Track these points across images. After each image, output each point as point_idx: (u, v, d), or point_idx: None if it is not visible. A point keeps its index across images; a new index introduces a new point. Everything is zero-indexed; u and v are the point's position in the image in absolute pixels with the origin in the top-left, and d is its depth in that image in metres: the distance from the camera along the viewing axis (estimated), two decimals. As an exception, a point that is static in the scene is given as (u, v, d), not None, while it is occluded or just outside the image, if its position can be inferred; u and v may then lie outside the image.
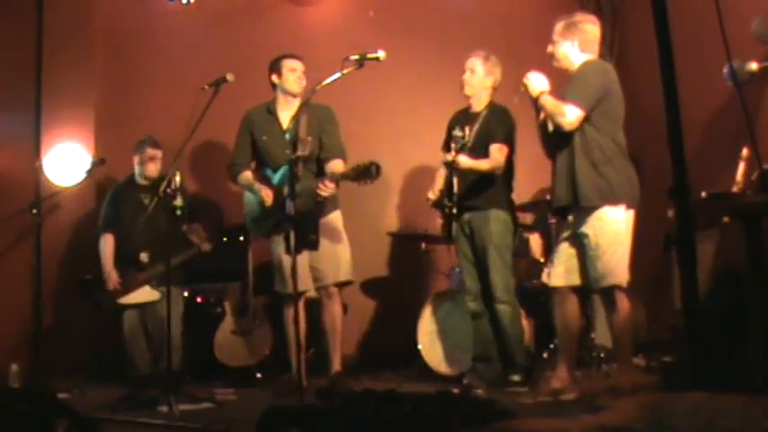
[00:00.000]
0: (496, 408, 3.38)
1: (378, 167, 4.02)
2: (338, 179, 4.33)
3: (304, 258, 4.50)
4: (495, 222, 4.56)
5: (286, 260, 4.40)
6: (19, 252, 5.52)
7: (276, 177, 4.63)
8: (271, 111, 4.74)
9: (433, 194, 4.71)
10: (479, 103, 4.67)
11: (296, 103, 4.72)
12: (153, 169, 5.18)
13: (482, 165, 4.51)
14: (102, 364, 5.33)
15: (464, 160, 4.46)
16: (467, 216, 4.62)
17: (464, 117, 4.71)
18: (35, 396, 3.24)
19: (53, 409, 2.97)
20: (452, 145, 4.54)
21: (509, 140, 4.59)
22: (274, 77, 4.72)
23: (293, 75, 4.66)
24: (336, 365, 4.67)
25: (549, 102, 3.95)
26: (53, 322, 5.50)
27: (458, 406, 3.20)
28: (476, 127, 4.58)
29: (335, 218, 4.70)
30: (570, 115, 3.89)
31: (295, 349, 4.50)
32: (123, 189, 5.27)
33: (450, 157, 4.48)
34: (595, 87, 3.91)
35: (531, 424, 3.19)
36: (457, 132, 4.65)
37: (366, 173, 4.03)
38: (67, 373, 5.17)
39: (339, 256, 4.64)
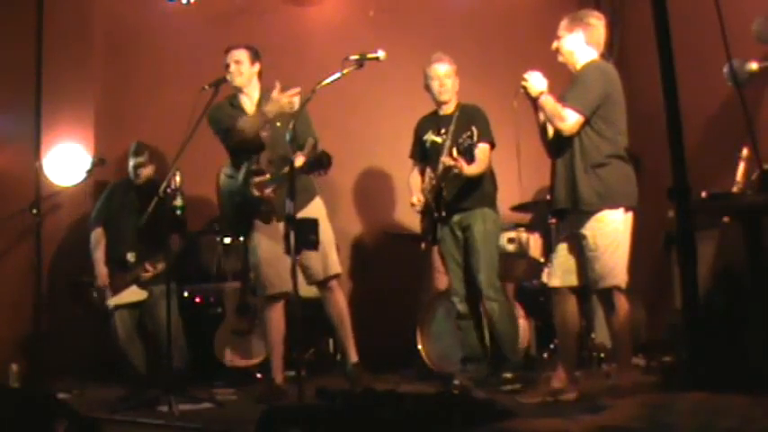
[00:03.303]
0: (497, 408, 3.38)
1: (329, 158, 4.01)
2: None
3: (282, 257, 4.13)
4: (484, 221, 4.56)
5: (269, 260, 4.41)
6: (19, 252, 5.52)
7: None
8: (234, 104, 4.64)
9: (418, 200, 4.66)
10: (449, 107, 4.68)
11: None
12: (140, 175, 5.16)
13: (477, 169, 4.47)
14: (102, 364, 5.33)
15: (469, 169, 4.39)
16: (456, 217, 4.61)
17: (435, 121, 4.71)
18: (35, 396, 3.24)
19: (53, 409, 2.97)
20: (453, 149, 4.40)
21: (490, 137, 4.56)
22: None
23: None
24: (353, 356, 4.59)
25: (549, 103, 3.93)
26: (53, 322, 5.49)
27: (458, 406, 3.20)
28: (452, 128, 4.58)
29: (314, 208, 4.53)
30: (570, 120, 3.88)
31: (274, 350, 4.52)
32: (119, 188, 5.27)
33: (447, 161, 4.39)
34: (596, 92, 3.89)
35: (531, 424, 3.20)
36: (431, 137, 4.67)
37: (318, 164, 4.03)
38: (67, 373, 5.17)
39: (326, 249, 4.49)
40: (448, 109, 4.68)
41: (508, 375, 4.45)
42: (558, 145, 4.01)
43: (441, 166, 4.51)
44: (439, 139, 4.64)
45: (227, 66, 4.54)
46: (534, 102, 4.00)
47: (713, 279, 3.82)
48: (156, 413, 3.91)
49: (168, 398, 3.91)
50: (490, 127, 4.60)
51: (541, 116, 4.07)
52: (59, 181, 5.60)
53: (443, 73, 4.62)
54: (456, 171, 4.38)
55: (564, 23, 4.04)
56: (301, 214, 4.35)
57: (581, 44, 3.99)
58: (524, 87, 3.98)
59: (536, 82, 3.96)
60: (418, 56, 5.96)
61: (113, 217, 5.17)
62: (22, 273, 5.41)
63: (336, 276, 4.64)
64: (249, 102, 4.60)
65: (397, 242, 5.85)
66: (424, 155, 4.77)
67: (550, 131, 4.07)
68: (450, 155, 4.40)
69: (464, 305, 4.65)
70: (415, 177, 4.81)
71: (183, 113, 4.14)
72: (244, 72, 4.55)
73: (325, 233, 4.45)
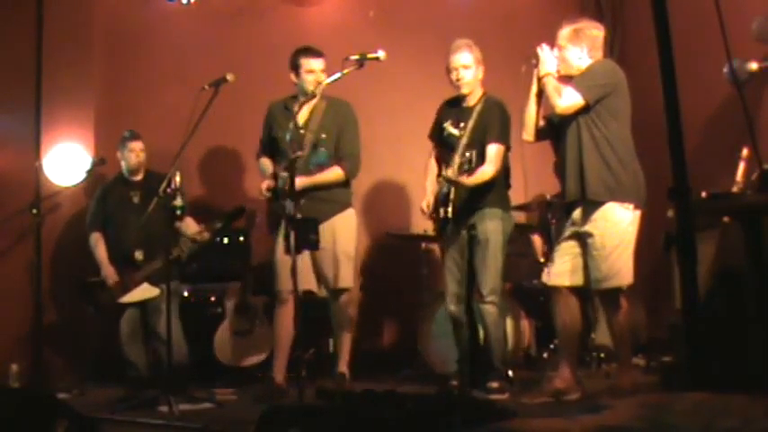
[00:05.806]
0: (497, 408, 3.39)
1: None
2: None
3: (305, 258, 4.40)
4: (493, 221, 4.44)
5: (283, 260, 4.41)
6: (19, 252, 5.51)
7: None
8: (288, 107, 4.67)
9: (427, 206, 4.55)
10: (473, 97, 4.54)
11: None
12: (135, 161, 5.13)
13: (484, 176, 4.37)
14: (102, 364, 5.33)
15: (468, 180, 4.33)
16: (464, 217, 4.50)
17: (457, 111, 4.58)
18: (35, 396, 3.24)
19: (53, 409, 2.97)
20: (453, 164, 4.38)
21: (506, 139, 4.47)
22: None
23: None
24: (342, 367, 4.67)
25: (551, 83, 3.94)
26: (53, 322, 5.50)
27: (458, 406, 3.20)
28: (470, 123, 4.47)
29: (341, 220, 4.63)
30: (567, 99, 3.87)
31: (280, 349, 4.58)
32: (111, 187, 5.23)
33: (449, 173, 4.35)
34: (602, 82, 3.89)
35: (531, 424, 3.21)
36: (450, 128, 4.54)
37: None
38: (67, 373, 5.17)
39: (340, 262, 4.58)
40: (471, 100, 4.53)
41: (494, 385, 4.30)
42: (567, 137, 3.98)
43: (444, 177, 4.44)
44: (456, 133, 4.52)
45: (311, 72, 4.54)
46: (539, 80, 4.02)
47: (713, 279, 3.82)
48: (156, 413, 3.91)
49: (168, 398, 3.91)
50: (508, 127, 4.47)
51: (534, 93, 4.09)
52: (59, 181, 5.59)
53: (461, 63, 4.47)
54: (458, 185, 4.36)
55: (566, 34, 4.01)
56: (329, 223, 4.50)
57: (584, 55, 4.00)
58: (537, 59, 4.00)
59: (547, 60, 3.96)
60: (418, 56, 5.99)
61: (112, 216, 5.14)
62: (22, 273, 5.41)
63: (345, 291, 4.67)
64: (307, 108, 4.60)
65: (398, 242, 5.85)
66: (441, 141, 4.65)
67: (543, 123, 4.09)
68: (452, 172, 4.36)
69: (458, 308, 4.56)
70: (433, 167, 4.68)
71: (182, 113, 4.14)
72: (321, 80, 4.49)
73: (345, 245, 4.59)
